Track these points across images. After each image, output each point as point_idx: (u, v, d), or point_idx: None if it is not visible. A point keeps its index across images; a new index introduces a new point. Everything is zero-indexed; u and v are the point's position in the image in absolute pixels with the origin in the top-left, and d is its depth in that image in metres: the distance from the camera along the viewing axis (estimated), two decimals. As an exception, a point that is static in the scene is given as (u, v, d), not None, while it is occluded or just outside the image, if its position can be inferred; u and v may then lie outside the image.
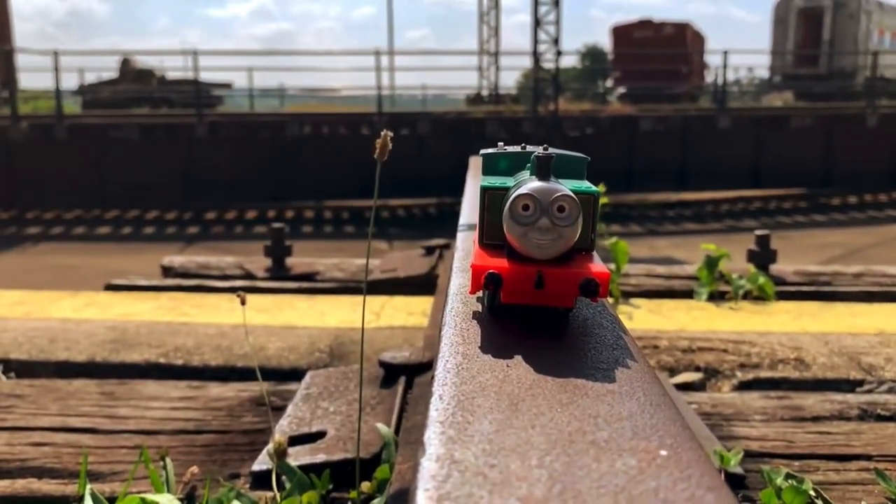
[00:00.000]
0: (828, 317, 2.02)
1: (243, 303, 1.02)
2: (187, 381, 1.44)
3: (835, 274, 2.45)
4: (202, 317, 1.99)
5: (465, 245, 0.77)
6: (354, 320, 1.91)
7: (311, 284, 2.39)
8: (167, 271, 2.58)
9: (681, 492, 0.29)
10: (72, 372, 1.55)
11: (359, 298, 2.15)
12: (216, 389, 1.39)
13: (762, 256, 2.38)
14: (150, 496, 0.94)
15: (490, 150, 0.58)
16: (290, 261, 2.57)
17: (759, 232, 2.42)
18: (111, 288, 2.40)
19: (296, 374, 1.50)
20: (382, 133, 0.81)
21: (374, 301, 2.14)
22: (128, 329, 1.79)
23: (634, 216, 10.30)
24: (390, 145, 0.81)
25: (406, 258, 2.57)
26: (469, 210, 1.03)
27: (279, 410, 1.27)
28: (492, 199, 0.52)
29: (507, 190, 0.50)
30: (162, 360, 1.59)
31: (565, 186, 0.48)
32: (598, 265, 0.48)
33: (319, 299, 2.20)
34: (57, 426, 1.22)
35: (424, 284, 2.22)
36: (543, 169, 0.48)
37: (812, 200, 11.13)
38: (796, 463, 1.10)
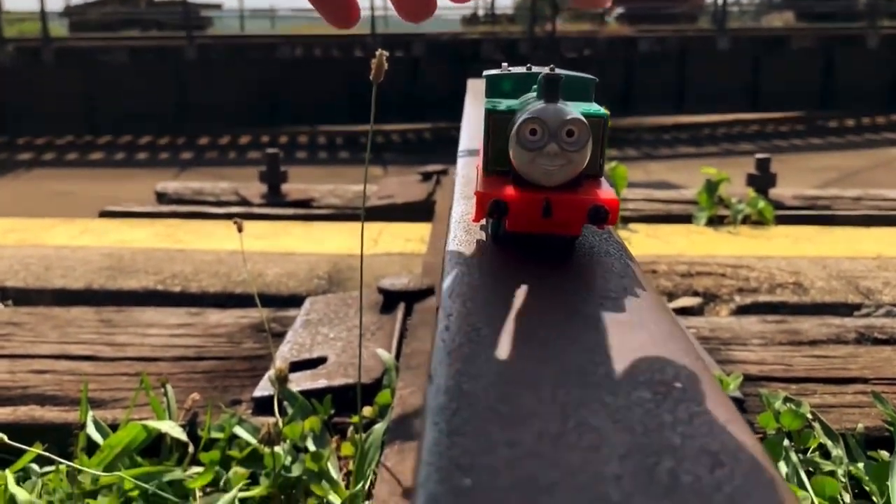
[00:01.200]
0: (826, 241, 2.02)
1: (240, 230, 1.01)
2: (186, 308, 1.44)
3: (834, 198, 2.44)
4: (199, 243, 1.98)
5: (467, 172, 0.75)
6: (352, 247, 1.90)
7: (307, 211, 2.37)
8: (161, 197, 2.56)
9: (698, 426, 0.28)
10: (69, 299, 1.55)
11: (355, 225, 2.14)
12: (215, 316, 1.39)
13: (762, 180, 2.36)
14: (151, 423, 0.94)
15: (494, 71, 0.55)
16: (285, 187, 2.55)
17: (759, 156, 2.40)
18: (106, 214, 2.38)
19: (295, 301, 1.50)
20: (378, 53, 0.78)
21: (372, 227, 2.13)
22: (124, 256, 1.78)
23: (630, 140, 10.21)
24: (386, 66, 0.78)
25: (403, 184, 2.55)
26: (469, 135, 1.01)
27: (279, 337, 1.27)
28: (497, 124, 0.49)
29: (513, 113, 0.48)
30: (160, 287, 1.59)
31: (574, 110, 0.46)
32: (607, 191, 0.47)
33: (316, 226, 2.19)
34: (57, 354, 1.22)
35: (422, 210, 2.21)
36: (552, 91, 0.46)
37: (809, 123, 11.03)
38: (794, 386, 1.11)
